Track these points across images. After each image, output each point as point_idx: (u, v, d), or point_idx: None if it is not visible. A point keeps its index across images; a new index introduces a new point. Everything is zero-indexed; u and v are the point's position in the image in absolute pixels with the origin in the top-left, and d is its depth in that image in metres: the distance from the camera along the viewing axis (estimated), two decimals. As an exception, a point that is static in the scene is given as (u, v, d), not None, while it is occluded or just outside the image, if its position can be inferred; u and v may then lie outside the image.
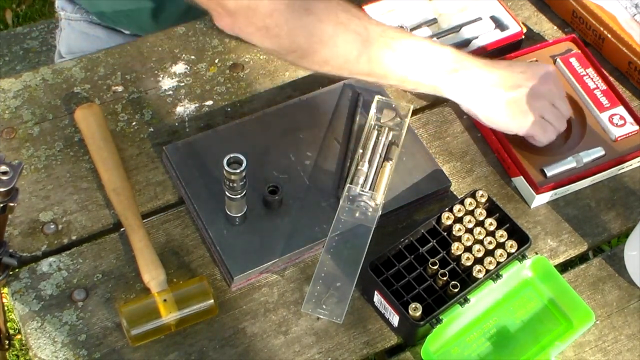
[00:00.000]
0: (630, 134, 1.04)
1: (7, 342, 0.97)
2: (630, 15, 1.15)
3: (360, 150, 0.98)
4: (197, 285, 0.90)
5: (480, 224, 0.94)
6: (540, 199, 1.00)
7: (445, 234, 0.93)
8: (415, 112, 1.08)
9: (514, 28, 1.13)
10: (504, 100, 0.97)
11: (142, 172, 1.01)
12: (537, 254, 0.97)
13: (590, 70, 1.10)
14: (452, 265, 0.91)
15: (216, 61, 1.12)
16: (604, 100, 1.07)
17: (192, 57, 1.12)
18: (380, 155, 0.98)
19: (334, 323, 0.91)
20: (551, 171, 1.00)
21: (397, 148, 0.99)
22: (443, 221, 0.94)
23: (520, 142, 1.02)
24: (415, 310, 0.86)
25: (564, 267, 0.99)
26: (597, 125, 1.06)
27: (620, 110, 1.06)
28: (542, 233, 1.00)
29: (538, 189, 0.98)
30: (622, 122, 1.05)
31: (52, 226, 0.96)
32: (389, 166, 0.97)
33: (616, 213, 1.02)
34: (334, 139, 1.01)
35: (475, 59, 0.97)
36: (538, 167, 1.01)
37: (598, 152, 1.02)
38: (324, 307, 0.90)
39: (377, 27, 0.93)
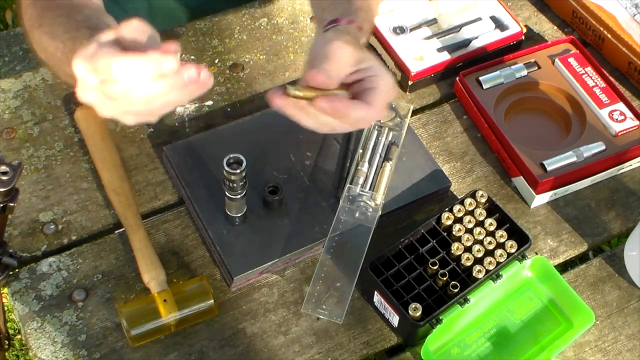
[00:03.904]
0: (630, 129, 1.04)
1: (6, 342, 0.97)
2: (630, 15, 1.15)
3: (360, 151, 0.98)
4: (197, 285, 0.89)
5: (480, 224, 0.94)
6: (540, 199, 1.00)
7: (445, 234, 0.93)
8: (415, 112, 1.08)
9: (514, 28, 1.13)
10: None
11: (142, 172, 1.01)
12: (537, 254, 0.97)
13: (589, 69, 1.10)
14: (452, 266, 0.91)
15: (216, 61, 1.12)
16: (603, 97, 1.07)
17: (192, 57, 1.12)
18: (380, 156, 0.98)
19: (334, 323, 0.91)
20: (551, 165, 1.00)
21: (397, 148, 0.99)
22: (443, 221, 0.94)
23: (520, 138, 1.03)
24: (415, 310, 0.86)
25: (564, 267, 0.99)
26: (598, 121, 1.06)
27: (620, 106, 1.06)
28: (542, 233, 1.00)
29: (538, 183, 0.98)
30: (622, 117, 1.05)
31: (52, 226, 0.96)
32: (389, 166, 0.97)
33: (616, 213, 1.02)
34: (334, 139, 1.01)
35: None
36: (538, 161, 1.01)
37: (598, 146, 1.03)
38: (324, 307, 0.90)
39: None
